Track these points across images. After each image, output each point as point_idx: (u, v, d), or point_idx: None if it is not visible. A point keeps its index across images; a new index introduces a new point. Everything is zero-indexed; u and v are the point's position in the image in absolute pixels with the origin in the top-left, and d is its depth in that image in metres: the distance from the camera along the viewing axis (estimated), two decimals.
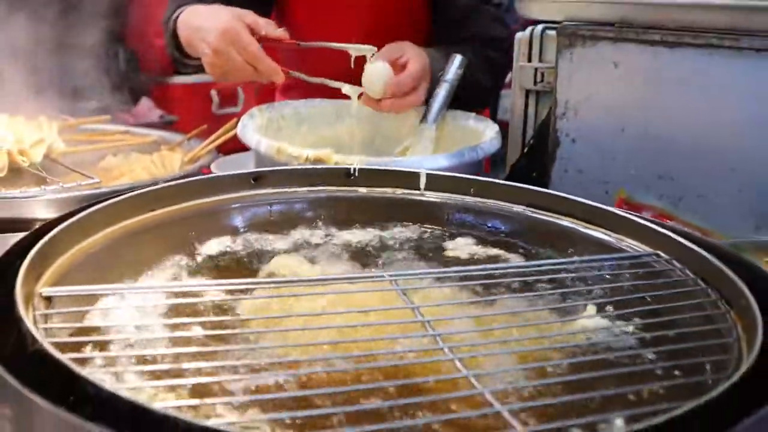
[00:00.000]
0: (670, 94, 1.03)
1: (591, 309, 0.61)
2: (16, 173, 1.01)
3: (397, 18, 1.49)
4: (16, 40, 1.77)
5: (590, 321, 0.59)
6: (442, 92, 1.25)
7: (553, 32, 1.28)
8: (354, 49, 1.18)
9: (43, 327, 0.49)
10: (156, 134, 1.31)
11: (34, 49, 1.76)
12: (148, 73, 2.95)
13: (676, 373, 0.52)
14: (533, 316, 0.61)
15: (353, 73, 1.23)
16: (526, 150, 1.30)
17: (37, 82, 1.52)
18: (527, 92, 1.38)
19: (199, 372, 0.46)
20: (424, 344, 0.52)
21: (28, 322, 0.46)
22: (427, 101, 1.27)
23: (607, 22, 1.07)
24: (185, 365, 0.46)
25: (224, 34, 1.16)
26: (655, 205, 1.04)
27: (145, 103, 2.74)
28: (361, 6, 1.47)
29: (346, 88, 1.20)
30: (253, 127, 1.12)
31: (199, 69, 1.34)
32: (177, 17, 1.33)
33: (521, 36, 1.37)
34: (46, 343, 0.44)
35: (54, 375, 0.41)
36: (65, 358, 0.42)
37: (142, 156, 1.18)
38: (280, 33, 1.22)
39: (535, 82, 1.35)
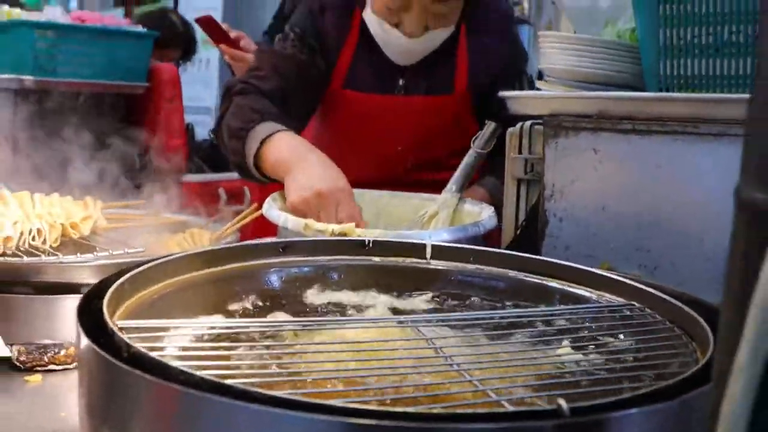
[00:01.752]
0: (643, 176, 1.17)
1: (567, 342, 0.73)
2: (67, 244, 1.13)
3: (441, 128, 1.67)
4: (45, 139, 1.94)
5: (568, 350, 0.70)
6: (469, 160, 1.41)
7: (540, 127, 1.44)
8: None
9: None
10: (183, 217, 1.44)
11: (59, 147, 1.93)
12: (160, 172, 3.11)
13: (642, 382, 0.63)
14: (522, 346, 0.72)
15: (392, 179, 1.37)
16: (519, 231, 1.43)
17: (59, 177, 1.68)
18: (519, 181, 1.52)
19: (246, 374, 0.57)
20: (436, 363, 0.64)
21: (123, 336, 0.58)
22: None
23: (587, 115, 1.23)
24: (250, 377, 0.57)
25: (334, 190, 1.29)
26: (634, 273, 1.17)
27: (158, 199, 2.88)
28: (405, 118, 1.66)
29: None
30: (277, 208, 1.25)
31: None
32: (270, 135, 1.43)
33: (512, 131, 1.52)
34: (140, 348, 0.55)
35: (149, 367, 0.53)
36: (156, 355, 0.54)
37: (173, 234, 1.32)
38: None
39: (526, 172, 1.49)
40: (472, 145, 1.44)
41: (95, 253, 1.05)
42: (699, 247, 1.13)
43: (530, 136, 1.48)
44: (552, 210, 1.28)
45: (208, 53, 6.77)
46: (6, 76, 2.65)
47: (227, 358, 0.61)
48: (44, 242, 1.10)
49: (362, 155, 1.67)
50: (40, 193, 1.26)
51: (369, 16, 1.61)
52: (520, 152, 1.51)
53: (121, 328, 0.66)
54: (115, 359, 0.52)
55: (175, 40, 3.64)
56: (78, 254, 1.04)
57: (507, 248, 1.45)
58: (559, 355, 0.70)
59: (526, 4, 6.27)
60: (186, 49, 3.77)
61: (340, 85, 1.69)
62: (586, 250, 1.24)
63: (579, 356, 0.71)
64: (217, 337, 0.68)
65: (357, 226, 1.26)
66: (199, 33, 4.12)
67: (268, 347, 0.66)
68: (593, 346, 0.74)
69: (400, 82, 1.67)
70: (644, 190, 1.18)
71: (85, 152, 1.99)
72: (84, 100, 2.73)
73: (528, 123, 1.49)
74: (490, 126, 1.43)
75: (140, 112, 3.10)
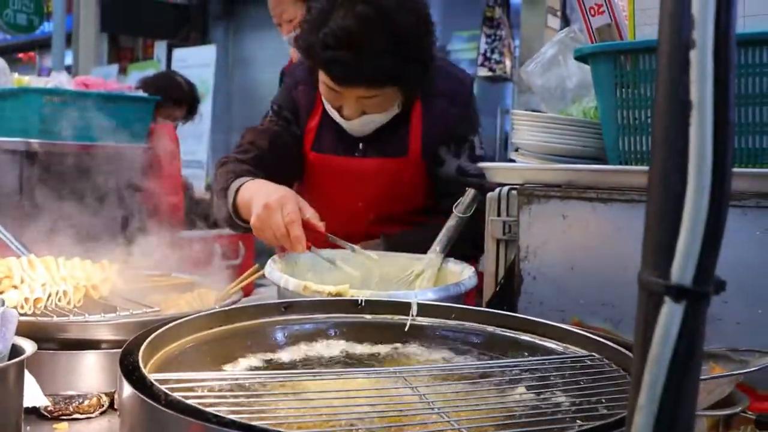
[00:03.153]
0: (606, 239, 1.31)
1: (533, 387, 0.85)
2: (89, 304, 1.25)
3: (397, 187, 1.84)
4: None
5: (533, 394, 0.83)
6: (452, 223, 1.54)
7: (516, 192, 1.58)
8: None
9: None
10: (189, 277, 1.56)
11: (63, 207, 2.05)
12: (160, 229, 3.24)
13: (593, 421, 0.76)
14: (495, 392, 0.85)
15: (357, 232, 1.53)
16: (498, 288, 1.56)
17: (64, 236, 1.80)
18: (498, 241, 1.66)
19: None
20: (421, 407, 0.76)
21: (161, 387, 0.70)
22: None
23: (556, 184, 1.37)
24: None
25: (279, 199, 1.48)
26: (600, 326, 1.30)
27: (158, 255, 3.00)
28: (364, 178, 1.84)
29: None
30: (278, 270, 1.38)
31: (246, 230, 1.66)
32: (241, 185, 1.63)
33: (491, 195, 1.66)
34: (175, 396, 0.68)
35: (186, 412, 0.65)
36: (189, 401, 0.66)
37: (182, 294, 1.44)
38: (320, 225, 1.53)
39: (504, 233, 1.63)
40: (453, 210, 1.58)
41: (117, 312, 1.17)
42: None
43: (507, 201, 1.62)
44: (527, 269, 1.41)
45: (201, 107, 6.96)
46: (15, 139, 2.79)
47: (246, 404, 0.74)
48: (69, 302, 1.22)
49: (330, 210, 1.79)
50: (51, 254, 1.38)
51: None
52: (498, 215, 1.65)
53: (156, 380, 0.78)
54: (158, 405, 0.65)
55: (181, 99, 3.91)
56: (102, 314, 1.16)
57: (488, 303, 1.58)
58: (525, 399, 0.82)
59: (507, 62, 6.52)
60: (190, 108, 4.03)
61: (309, 148, 1.89)
62: (558, 306, 1.37)
63: (543, 400, 0.83)
64: (235, 387, 0.80)
65: (307, 223, 1.47)
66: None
67: (278, 394, 0.78)
68: (556, 391, 0.87)
69: (360, 146, 1.85)
70: (608, 251, 1.31)
71: (88, 211, 2.12)
72: (88, 161, 2.86)
73: (506, 188, 1.63)
74: (470, 193, 1.57)
75: (141, 171, 3.23)
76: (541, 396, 0.85)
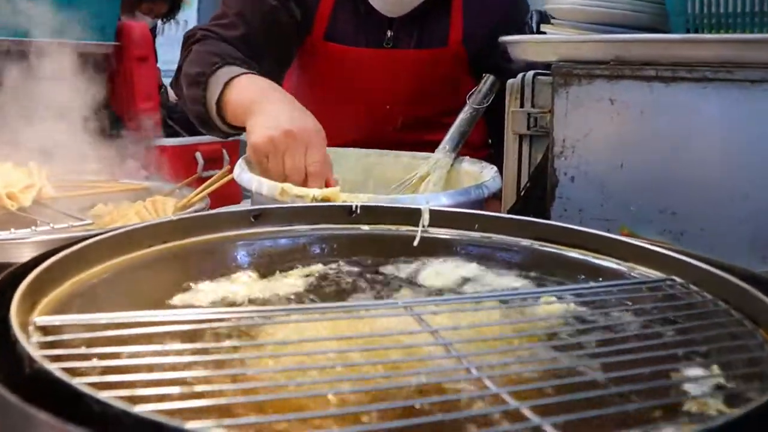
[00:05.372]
0: (667, 128, 1.03)
1: (590, 332, 0.59)
2: (4, 217, 0.97)
3: (434, 84, 1.53)
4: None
5: (610, 343, 0.56)
6: (465, 116, 1.26)
7: (544, 77, 1.29)
8: None
9: (40, 353, 0.46)
10: (145, 183, 1.28)
11: (21, 110, 1.76)
12: (133, 135, 2.94)
13: (709, 384, 0.49)
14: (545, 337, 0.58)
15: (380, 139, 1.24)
16: (522, 193, 1.29)
17: (23, 144, 1.52)
18: (521, 137, 1.38)
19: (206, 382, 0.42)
20: (447, 364, 0.50)
21: (26, 346, 0.43)
22: None
23: (602, 61, 1.08)
24: (194, 384, 0.43)
25: (305, 132, 1.11)
26: (657, 239, 1.03)
27: (131, 164, 2.72)
28: (394, 73, 1.52)
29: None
30: (249, 171, 1.10)
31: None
32: (232, 78, 1.26)
33: (512, 82, 1.37)
34: (46, 364, 0.41)
35: (55, 393, 0.38)
36: (65, 375, 0.39)
37: (133, 203, 1.16)
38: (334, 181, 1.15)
39: (529, 127, 1.35)
40: (467, 100, 1.29)
41: (34, 227, 0.89)
42: (731, 209, 0.99)
43: (533, 88, 1.33)
44: (562, 168, 1.13)
45: (185, 14, 6.57)
46: None
47: (180, 366, 0.47)
48: None
49: (347, 113, 1.53)
50: None
51: None
52: (522, 106, 1.37)
53: (39, 327, 0.52)
54: (6, 386, 0.38)
55: None
56: (12, 229, 0.88)
57: (509, 212, 1.32)
58: (596, 348, 0.56)
59: None
60: (173, 5, 3.66)
61: (321, 37, 1.54)
62: (602, 213, 1.10)
63: (625, 351, 0.56)
64: (168, 336, 0.53)
65: (327, 182, 1.10)
66: None
67: (229, 349, 0.52)
68: (636, 335, 0.60)
69: (389, 33, 1.53)
70: (669, 145, 1.03)
71: (51, 118, 1.84)
72: (44, 60, 2.54)
73: (530, 73, 1.34)
74: (488, 79, 1.28)
75: (110, 73, 2.91)
76: (620, 344, 0.58)
